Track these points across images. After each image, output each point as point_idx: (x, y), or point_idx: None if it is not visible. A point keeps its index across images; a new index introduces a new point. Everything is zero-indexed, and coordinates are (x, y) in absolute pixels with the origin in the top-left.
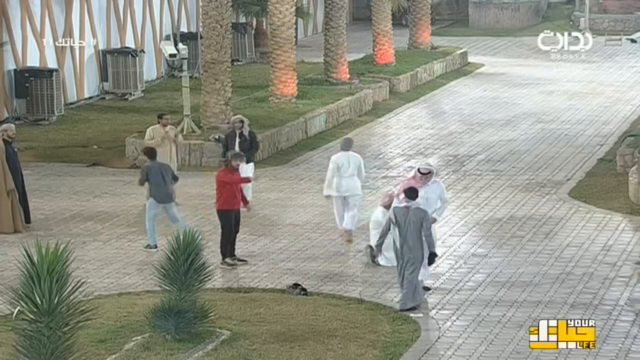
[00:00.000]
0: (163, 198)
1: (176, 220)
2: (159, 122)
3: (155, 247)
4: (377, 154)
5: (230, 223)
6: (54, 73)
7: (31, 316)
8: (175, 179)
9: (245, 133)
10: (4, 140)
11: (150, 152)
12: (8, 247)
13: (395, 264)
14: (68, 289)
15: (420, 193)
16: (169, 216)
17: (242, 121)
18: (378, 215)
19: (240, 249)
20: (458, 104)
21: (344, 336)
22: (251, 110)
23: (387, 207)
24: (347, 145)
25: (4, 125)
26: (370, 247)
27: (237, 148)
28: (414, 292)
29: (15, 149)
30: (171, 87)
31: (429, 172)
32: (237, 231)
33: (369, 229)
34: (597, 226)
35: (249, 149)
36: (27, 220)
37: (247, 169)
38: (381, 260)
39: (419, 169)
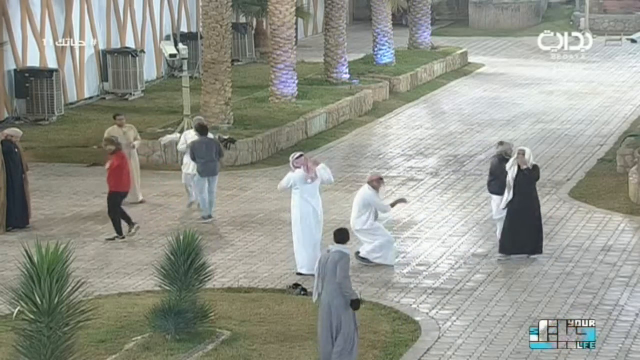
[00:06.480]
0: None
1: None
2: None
3: (210, 217)
4: (377, 154)
5: None
6: (54, 73)
7: (31, 316)
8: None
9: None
10: (5, 140)
11: (202, 128)
12: (8, 247)
13: (392, 262)
14: (68, 289)
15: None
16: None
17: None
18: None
19: (240, 248)
20: (458, 104)
21: None
22: (251, 110)
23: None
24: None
25: (11, 130)
26: (358, 253)
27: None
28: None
29: (15, 150)
30: (171, 87)
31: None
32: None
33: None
34: (597, 226)
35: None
36: (26, 220)
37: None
38: (378, 259)
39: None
